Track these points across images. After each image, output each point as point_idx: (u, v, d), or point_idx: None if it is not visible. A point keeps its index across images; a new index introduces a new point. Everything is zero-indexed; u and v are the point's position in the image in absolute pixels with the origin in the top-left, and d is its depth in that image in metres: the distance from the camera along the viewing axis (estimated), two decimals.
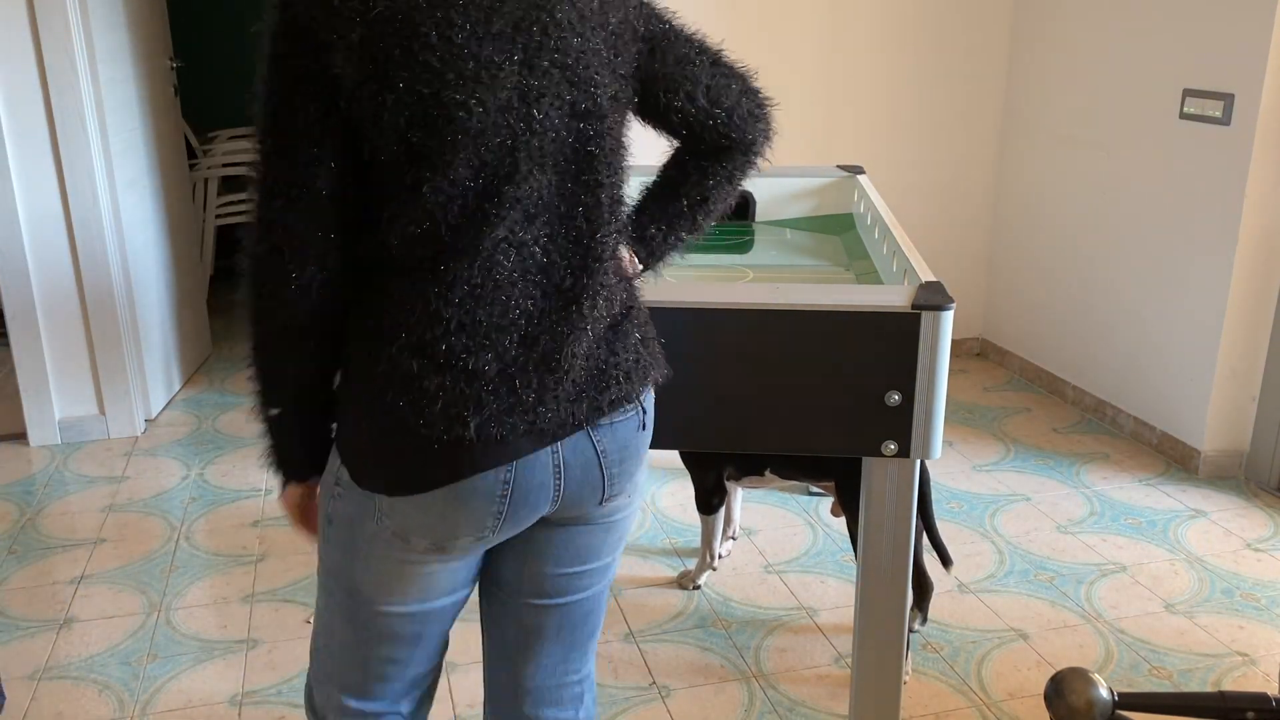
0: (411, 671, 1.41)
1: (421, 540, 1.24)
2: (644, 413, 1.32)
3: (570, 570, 1.38)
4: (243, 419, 3.72)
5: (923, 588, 2.39)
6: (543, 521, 1.33)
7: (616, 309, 1.28)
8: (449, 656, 2.38)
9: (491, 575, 1.42)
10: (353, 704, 1.41)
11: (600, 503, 1.31)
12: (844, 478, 2.27)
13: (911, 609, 2.39)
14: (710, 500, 2.53)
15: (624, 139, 1.27)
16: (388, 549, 1.26)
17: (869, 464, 1.67)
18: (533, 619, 1.42)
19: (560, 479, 1.25)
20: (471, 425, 1.16)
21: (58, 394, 3.51)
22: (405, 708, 1.45)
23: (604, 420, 1.26)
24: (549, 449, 1.22)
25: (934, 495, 3.14)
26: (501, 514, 1.23)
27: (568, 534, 1.35)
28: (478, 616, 2.64)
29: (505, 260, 1.17)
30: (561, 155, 1.18)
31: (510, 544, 1.37)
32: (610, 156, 1.23)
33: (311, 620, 2.50)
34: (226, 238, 5.21)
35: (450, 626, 1.43)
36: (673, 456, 3.37)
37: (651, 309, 1.57)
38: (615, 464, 1.29)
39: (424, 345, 1.16)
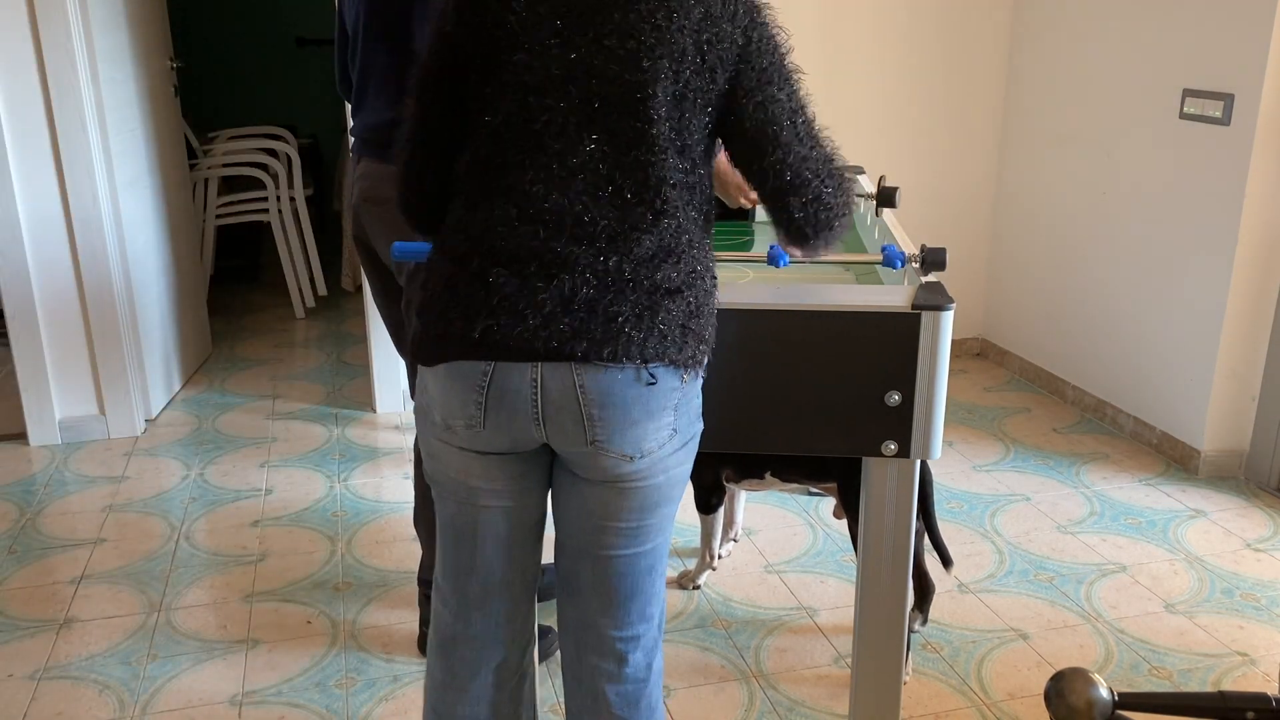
0: (470, 584, 1.58)
1: (435, 414, 1.47)
2: (650, 378, 1.41)
3: (596, 524, 1.51)
4: (243, 419, 3.72)
5: (924, 589, 2.39)
6: (571, 475, 1.51)
7: (661, 282, 1.40)
8: None
9: (553, 517, 1.60)
10: (441, 583, 1.62)
11: (588, 443, 1.43)
12: (845, 480, 2.27)
13: (912, 610, 2.39)
14: (709, 500, 2.53)
15: (695, 132, 1.42)
16: (425, 419, 1.51)
17: (869, 464, 1.67)
18: (571, 564, 1.58)
19: (537, 395, 1.41)
20: (477, 325, 1.39)
21: (58, 394, 3.51)
22: (480, 627, 1.61)
23: (593, 363, 1.39)
24: (529, 364, 1.40)
25: (935, 495, 3.14)
26: (482, 405, 1.43)
27: (591, 489, 1.49)
28: None
29: (533, 205, 1.40)
30: (616, 128, 1.39)
31: (558, 492, 1.55)
32: (667, 141, 1.40)
33: (311, 621, 2.50)
34: (227, 238, 5.22)
35: (510, 573, 1.59)
36: None
37: None
38: (594, 405, 1.41)
39: (462, 257, 1.43)
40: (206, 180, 4.78)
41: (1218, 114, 3.09)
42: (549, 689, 2.28)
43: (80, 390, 3.53)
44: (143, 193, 3.73)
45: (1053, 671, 1.30)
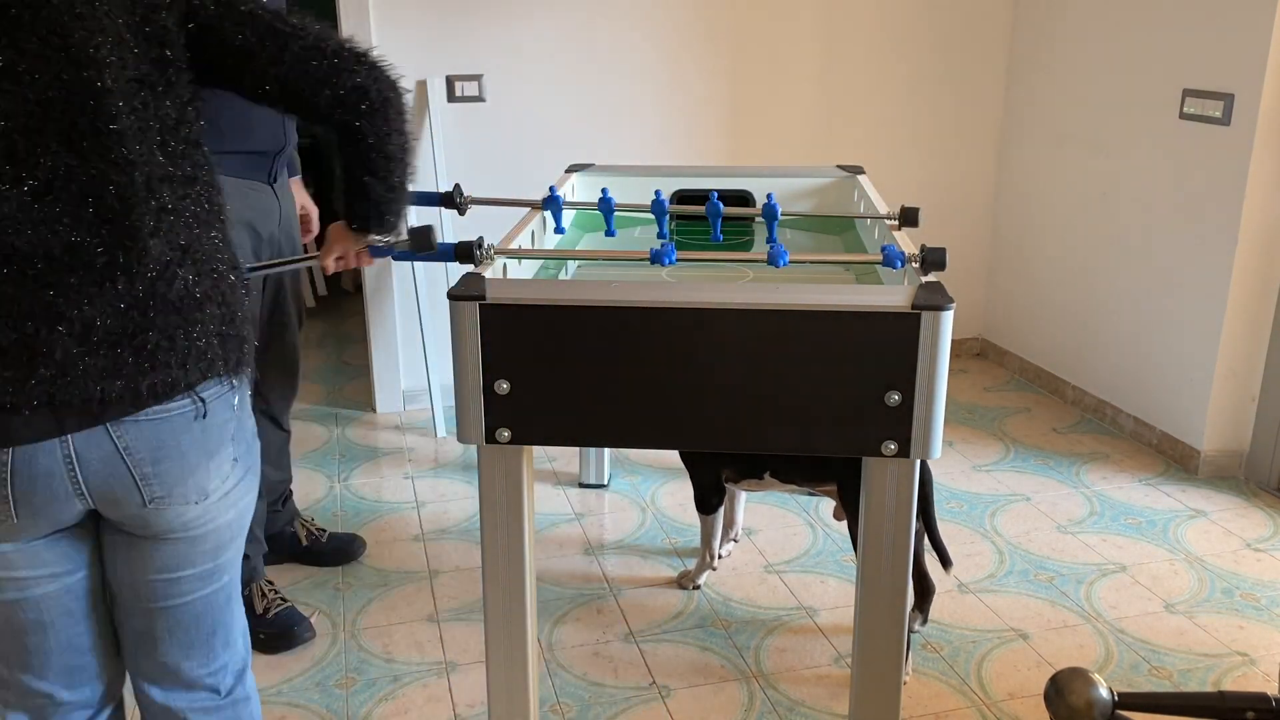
0: (49, 672, 1.42)
1: None
2: (201, 403, 1.31)
3: (167, 578, 1.41)
4: None
5: (924, 589, 2.39)
6: (128, 535, 1.36)
7: (179, 292, 1.28)
8: (449, 656, 2.39)
9: (105, 579, 1.44)
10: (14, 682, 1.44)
11: (145, 504, 1.31)
12: (845, 481, 2.27)
13: (912, 610, 2.39)
14: (710, 500, 2.53)
15: (172, 116, 1.29)
16: None
17: (869, 464, 1.67)
18: (143, 622, 1.44)
19: (75, 472, 1.26)
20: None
21: None
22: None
23: (131, 416, 1.26)
24: (57, 441, 1.23)
25: (935, 495, 3.14)
26: (8, 498, 1.25)
27: (156, 545, 1.37)
28: (476, 616, 2.64)
29: (18, 236, 1.19)
30: (72, 135, 1.20)
31: (114, 553, 1.40)
32: (141, 136, 1.24)
33: (313, 620, 2.50)
34: None
35: (78, 641, 1.43)
36: (672, 456, 3.37)
37: (652, 309, 1.58)
38: (146, 464, 1.29)
39: None
40: None
41: (1218, 114, 3.09)
42: (549, 689, 2.28)
43: None
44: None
45: (1053, 671, 1.30)
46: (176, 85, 1.29)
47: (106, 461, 1.27)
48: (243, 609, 1.55)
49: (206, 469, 1.34)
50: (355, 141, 1.41)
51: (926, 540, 2.36)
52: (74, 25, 1.19)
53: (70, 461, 1.25)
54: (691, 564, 2.74)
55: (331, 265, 1.71)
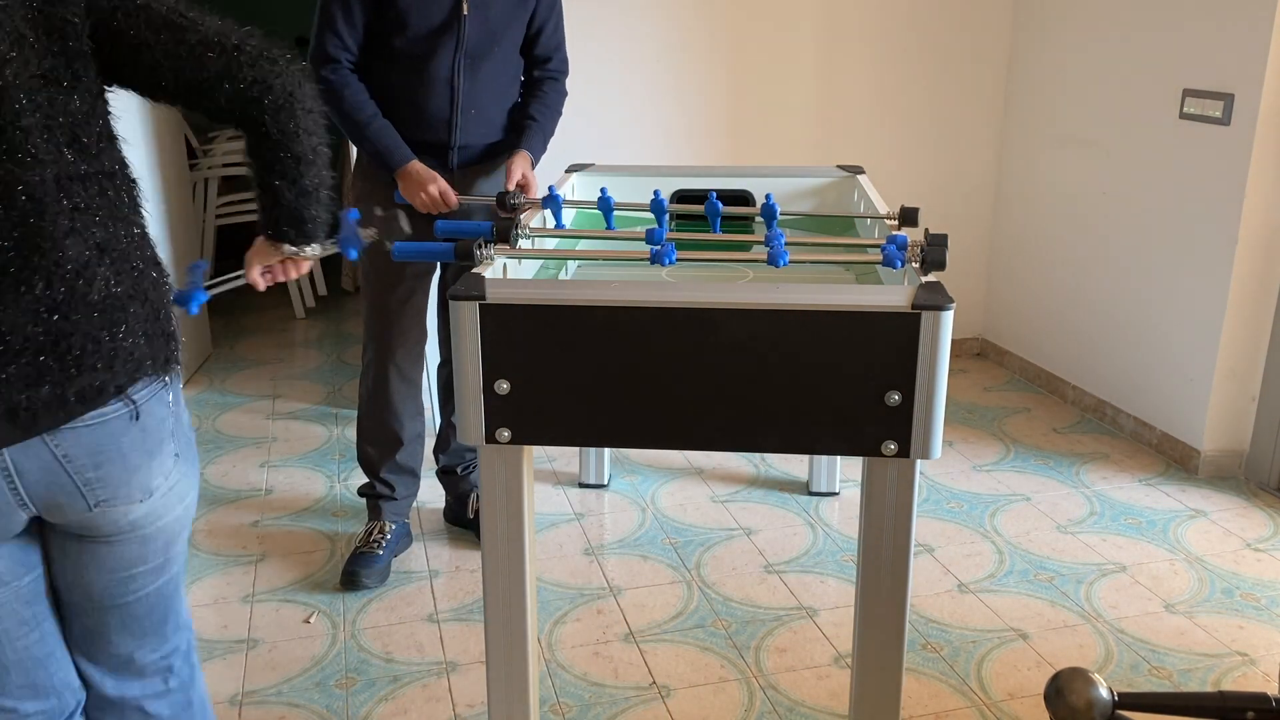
0: (10, 685, 1.40)
1: None
2: (133, 404, 1.29)
3: (119, 577, 1.40)
4: (243, 419, 3.72)
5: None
6: (76, 538, 1.34)
7: (100, 292, 1.25)
8: (449, 656, 2.39)
9: (51, 580, 1.42)
10: None
11: (90, 508, 1.30)
12: None
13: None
14: None
15: (81, 111, 1.25)
16: None
17: (869, 464, 1.67)
18: (93, 619, 1.43)
19: (16, 485, 1.25)
20: None
21: None
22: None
23: (67, 425, 1.24)
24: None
25: (934, 495, 3.14)
26: None
27: (105, 546, 1.36)
28: (476, 616, 2.64)
29: None
30: None
31: (62, 556, 1.38)
32: (48, 134, 1.21)
33: (313, 620, 2.50)
34: (227, 238, 5.21)
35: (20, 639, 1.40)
36: (673, 456, 3.37)
37: (652, 309, 1.58)
38: (88, 469, 1.27)
39: None
40: (206, 180, 4.78)
41: (1218, 114, 3.09)
42: (549, 689, 2.28)
43: None
44: (143, 193, 3.73)
45: (1053, 671, 1.30)
46: (84, 79, 1.25)
47: (46, 471, 1.25)
48: (184, 587, 1.53)
49: (149, 468, 1.32)
50: (260, 141, 1.34)
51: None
52: None
53: (8, 474, 1.23)
54: (691, 562, 2.74)
55: (259, 281, 1.60)
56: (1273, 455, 3.16)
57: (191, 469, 1.43)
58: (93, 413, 1.25)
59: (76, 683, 1.48)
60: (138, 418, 1.30)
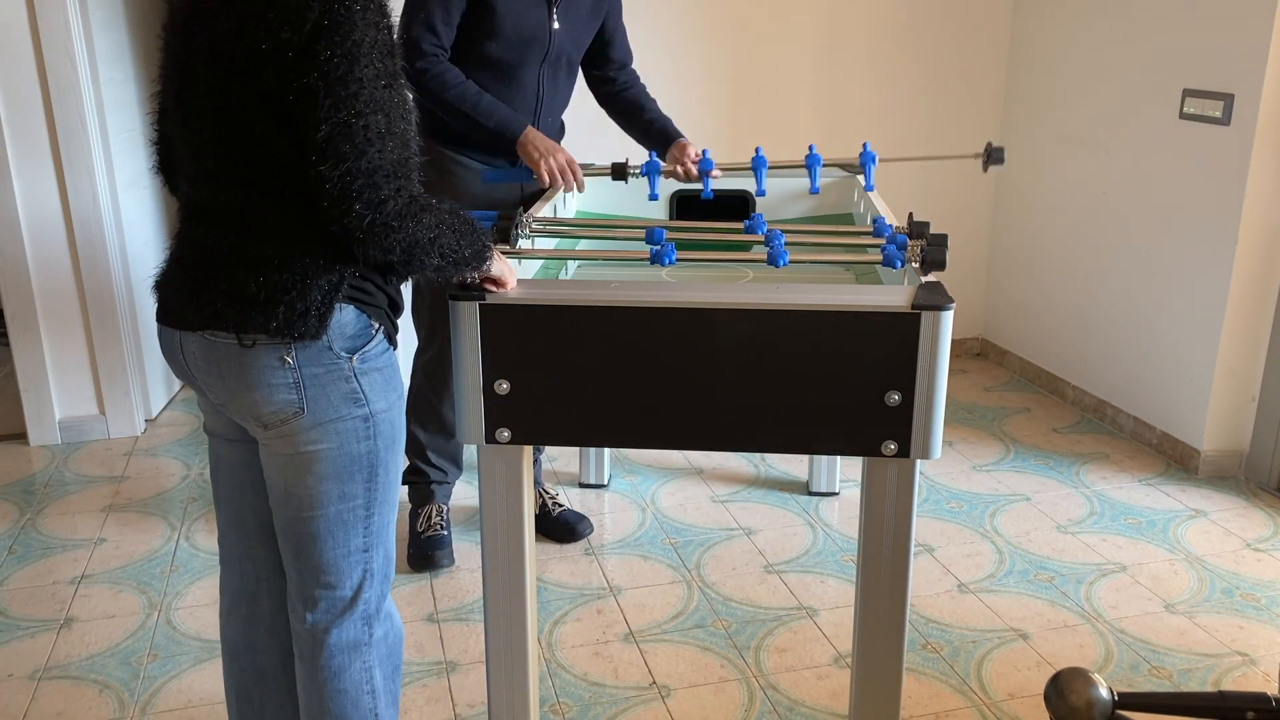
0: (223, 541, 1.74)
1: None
2: (236, 339, 1.48)
3: (269, 481, 1.60)
4: None
5: None
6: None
7: (256, 248, 1.45)
8: (449, 656, 2.39)
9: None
10: None
11: (222, 403, 1.55)
12: None
13: None
14: None
15: (250, 110, 1.41)
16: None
17: (869, 464, 1.67)
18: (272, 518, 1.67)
19: (183, 356, 1.55)
20: (160, 290, 1.57)
21: (58, 394, 3.51)
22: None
23: (197, 331, 1.50)
24: (173, 330, 1.54)
25: (934, 495, 3.15)
26: (167, 358, 1.60)
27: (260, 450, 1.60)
28: (476, 616, 2.64)
29: (181, 186, 1.56)
30: (199, 111, 1.45)
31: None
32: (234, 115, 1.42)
33: None
34: None
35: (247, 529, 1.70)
36: (673, 456, 3.37)
37: (652, 309, 1.58)
38: (202, 370, 1.53)
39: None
40: None
41: (1218, 114, 3.09)
42: (549, 689, 2.28)
43: (80, 390, 3.53)
44: (143, 193, 3.73)
45: (1053, 671, 1.30)
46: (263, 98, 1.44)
47: (192, 359, 1.56)
48: (338, 543, 1.63)
49: (250, 398, 1.51)
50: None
51: None
52: (215, 29, 1.44)
53: (180, 346, 1.56)
54: (691, 562, 2.74)
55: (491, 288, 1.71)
56: (1273, 455, 3.16)
57: (335, 437, 1.53)
58: (207, 332, 1.49)
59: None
60: (242, 353, 1.48)
